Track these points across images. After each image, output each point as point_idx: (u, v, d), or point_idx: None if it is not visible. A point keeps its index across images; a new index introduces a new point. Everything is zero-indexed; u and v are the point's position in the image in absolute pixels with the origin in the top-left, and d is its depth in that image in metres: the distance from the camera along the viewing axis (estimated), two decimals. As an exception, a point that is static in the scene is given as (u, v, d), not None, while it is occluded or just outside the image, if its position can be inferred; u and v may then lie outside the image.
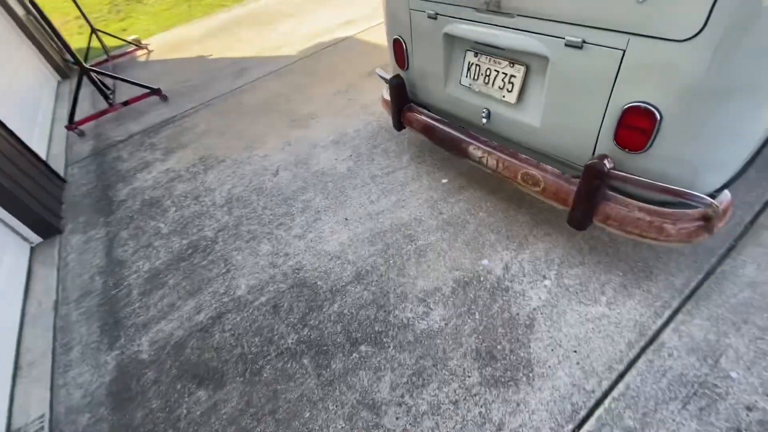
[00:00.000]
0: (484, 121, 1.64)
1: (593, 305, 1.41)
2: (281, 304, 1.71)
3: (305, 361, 1.48)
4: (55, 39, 3.77)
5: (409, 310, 1.55)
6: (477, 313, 1.48)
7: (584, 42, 1.16)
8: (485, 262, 1.65)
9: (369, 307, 1.60)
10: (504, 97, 1.52)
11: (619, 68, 1.12)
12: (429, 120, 1.90)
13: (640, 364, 1.24)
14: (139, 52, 5.65)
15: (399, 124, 2.10)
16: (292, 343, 1.55)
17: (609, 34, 1.10)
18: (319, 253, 1.89)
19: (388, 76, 2.01)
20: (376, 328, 1.52)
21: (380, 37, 4.04)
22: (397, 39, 1.89)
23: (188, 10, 8.09)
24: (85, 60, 4.15)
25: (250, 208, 2.27)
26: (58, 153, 3.37)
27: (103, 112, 3.67)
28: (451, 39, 1.62)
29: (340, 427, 1.28)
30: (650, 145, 1.15)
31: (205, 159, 2.81)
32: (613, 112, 1.19)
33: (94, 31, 5.10)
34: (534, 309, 1.45)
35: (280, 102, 3.32)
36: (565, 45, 1.21)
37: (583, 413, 1.17)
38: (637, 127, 1.15)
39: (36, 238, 2.36)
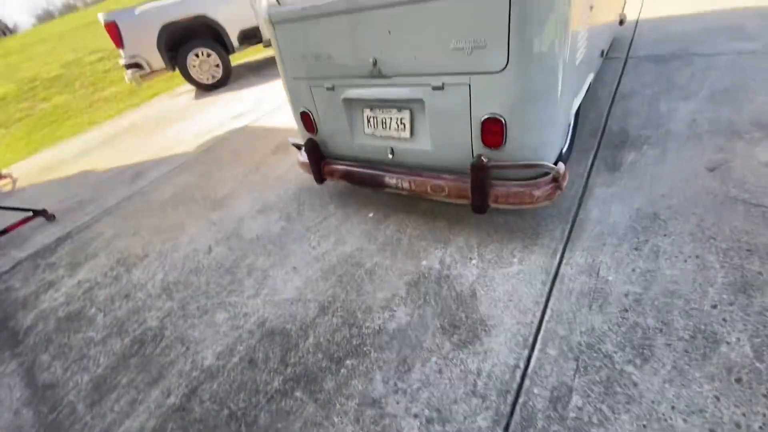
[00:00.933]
0: (390, 156, 2.08)
1: (510, 266, 1.84)
2: (256, 357, 1.75)
3: (298, 393, 1.55)
4: None
5: (377, 318, 1.77)
6: (432, 301, 1.78)
7: (444, 84, 1.70)
8: (424, 262, 1.99)
9: (342, 329, 1.77)
10: (400, 135, 2.00)
11: (470, 96, 1.67)
12: (346, 166, 2.29)
13: (554, 292, 1.66)
14: (1, 183, 5.11)
15: (320, 178, 2.44)
16: (279, 384, 1.61)
17: (457, 76, 1.65)
18: (279, 303, 2.00)
19: (302, 141, 2.38)
20: (354, 342, 1.69)
21: (273, 122, 4.49)
22: (304, 111, 2.30)
23: (51, 132, 7.65)
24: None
25: (193, 288, 2.27)
26: None
27: (-26, 247, 3.23)
28: (349, 102, 2.08)
29: (350, 431, 1.38)
30: (505, 141, 1.69)
31: (124, 260, 2.71)
32: (476, 125, 1.72)
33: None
34: (472, 282, 1.81)
35: (192, 191, 3.41)
36: (432, 89, 1.74)
37: (530, 339, 1.51)
38: (493, 131, 1.68)
39: None
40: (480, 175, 1.75)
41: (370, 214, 2.45)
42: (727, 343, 1.34)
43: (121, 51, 6.07)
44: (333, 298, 1.94)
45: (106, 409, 1.70)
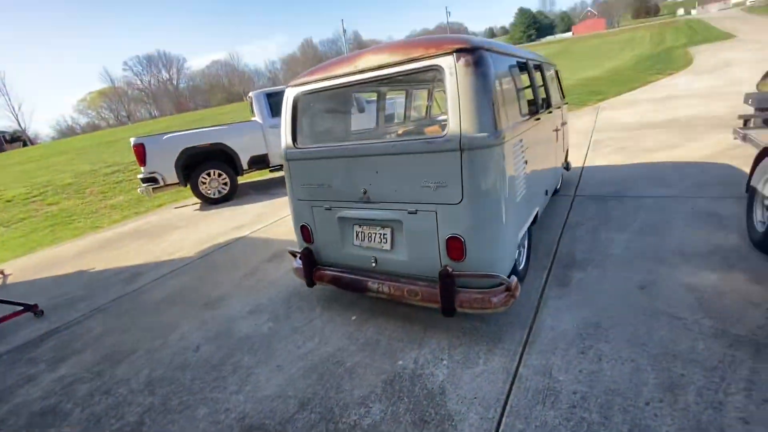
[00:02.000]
0: (374, 264, 2.46)
1: (476, 366, 2.05)
2: (233, 452, 1.80)
3: (271, 488, 1.59)
4: None
5: (354, 414, 1.89)
6: (405, 398, 1.93)
7: (417, 210, 2.20)
8: (400, 362, 2.18)
9: (318, 425, 1.86)
10: (383, 247, 2.41)
11: (437, 220, 2.14)
12: (335, 272, 2.63)
13: (514, 390, 1.86)
14: (-6, 278, 5.20)
15: (311, 282, 2.75)
16: (253, 479, 1.64)
17: (427, 205, 2.15)
18: (260, 399, 2.10)
19: (299, 250, 2.77)
20: (330, 437, 1.78)
21: (271, 234, 4.96)
22: (304, 225, 2.76)
23: (51, 233, 7.96)
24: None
25: (176, 384, 2.34)
26: None
27: (-45, 340, 3.24)
28: (343, 219, 2.55)
29: None
30: (465, 255, 2.11)
31: (111, 356, 2.78)
32: (442, 242, 2.15)
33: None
34: (442, 381, 1.99)
35: (187, 293, 3.62)
36: (408, 213, 2.23)
37: (492, 433, 1.66)
38: (455, 247, 2.11)
39: None
40: (447, 282, 2.11)
41: (353, 317, 2.70)
42: (659, 436, 1.53)
43: (142, 168, 6.89)
44: (313, 394, 2.06)
45: (69, 507, 1.65)
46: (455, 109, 1.96)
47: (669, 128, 7.29)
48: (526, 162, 2.48)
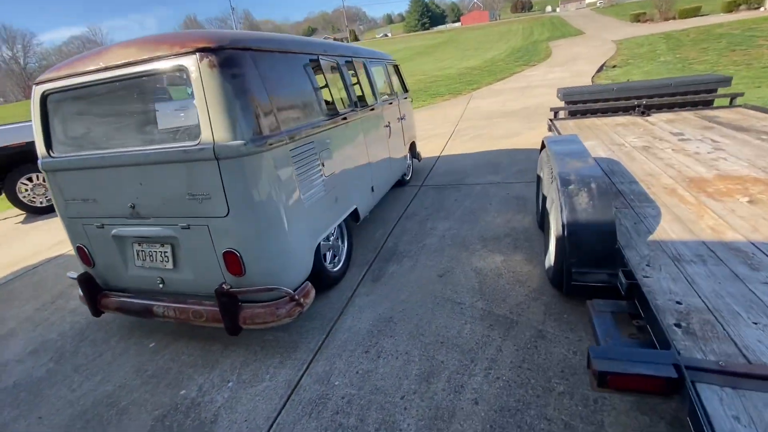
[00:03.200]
0: (161, 285, 2.22)
1: (261, 383, 1.97)
2: None
3: None
4: None
5: (106, 465, 1.66)
6: (173, 433, 1.76)
7: (189, 225, 2.00)
8: (183, 391, 2.00)
9: (59, 487, 1.60)
10: (166, 266, 2.17)
11: (210, 234, 1.98)
12: (119, 298, 2.32)
13: (288, 405, 1.82)
14: None
15: (96, 311, 2.39)
16: None
17: (198, 219, 1.97)
18: (-2, 468, 1.74)
19: (76, 275, 2.38)
20: (66, 501, 1.54)
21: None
22: (80, 246, 2.36)
23: None
24: None
25: None
26: None
27: None
28: (118, 238, 2.23)
29: None
30: (244, 270, 1.99)
31: None
32: (219, 256, 2.00)
33: None
34: (219, 407, 1.87)
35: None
36: (181, 228, 2.02)
37: (249, 458, 1.59)
38: (232, 261, 1.98)
39: None
40: (224, 301, 1.97)
41: (151, 344, 2.42)
42: (400, 430, 1.62)
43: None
44: (67, 449, 1.78)
45: None
46: (204, 115, 1.79)
47: (519, 116, 8.16)
48: (322, 164, 2.44)
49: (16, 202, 6.08)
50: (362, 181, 3.13)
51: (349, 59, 3.15)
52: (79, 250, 2.38)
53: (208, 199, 1.90)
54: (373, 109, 3.43)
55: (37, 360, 2.46)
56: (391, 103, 4.04)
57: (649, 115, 4.32)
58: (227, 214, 1.90)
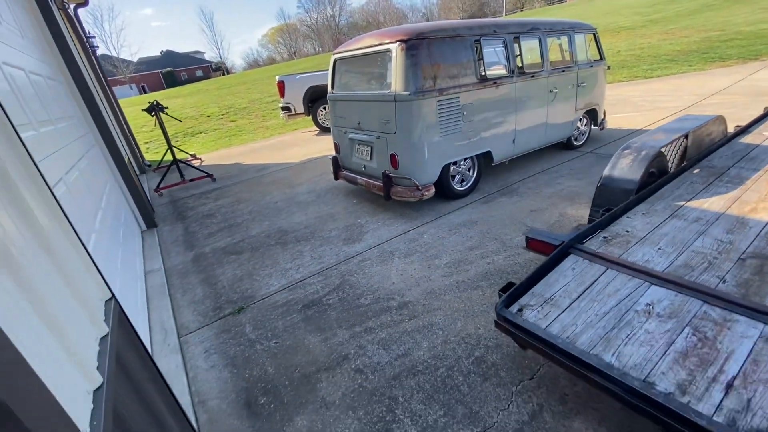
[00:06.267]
0: (363, 168, 4.15)
1: (391, 226, 3.65)
2: None
3: None
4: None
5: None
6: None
7: (379, 136, 3.74)
8: (359, 220, 3.92)
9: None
10: (368, 159, 4.05)
11: (387, 142, 3.66)
12: (345, 173, 4.42)
13: (399, 236, 3.43)
14: (195, 162, 8.64)
15: (336, 177, 4.61)
16: None
17: (383, 133, 3.68)
18: (297, 221, 4.15)
19: (331, 156, 4.62)
20: None
21: (347, 154, 6.92)
22: (335, 143, 4.56)
23: (228, 141, 11.60)
24: (159, 164, 6.99)
25: (262, 213, 4.58)
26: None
27: (177, 183, 6.28)
28: (351, 140, 4.25)
29: None
30: (399, 165, 3.61)
31: (238, 200, 5.24)
32: (388, 156, 3.68)
33: (170, 147, 8.14)
34: (370, 228, 3.68)
35: (283, 180, 5.94)
36: (376, 138, 3.79)
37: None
38: (394, 159, 3.63)
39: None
40: (385, 180, 3.68)
41: (354, 201, 4.48)
42: (447, 255, 2.96)
43: (282, 99, 9.55)
44: (315, 223, 4.01)
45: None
46: (393, 77, 3.37)
47: None
48: (463, 113, 3.68)
49: (315, 122, 9.80)
50: (503, 133, 4.15)
51: (517, 35, 4.03)
52: (335, 144, 4.58)
53: (389, 122, 3.56)
54: (533, 77, 4.23)
55: (309, 196, 4.97)
56: (563, 71, 4.58)
57: None
58: (395, 132, 3.51)
